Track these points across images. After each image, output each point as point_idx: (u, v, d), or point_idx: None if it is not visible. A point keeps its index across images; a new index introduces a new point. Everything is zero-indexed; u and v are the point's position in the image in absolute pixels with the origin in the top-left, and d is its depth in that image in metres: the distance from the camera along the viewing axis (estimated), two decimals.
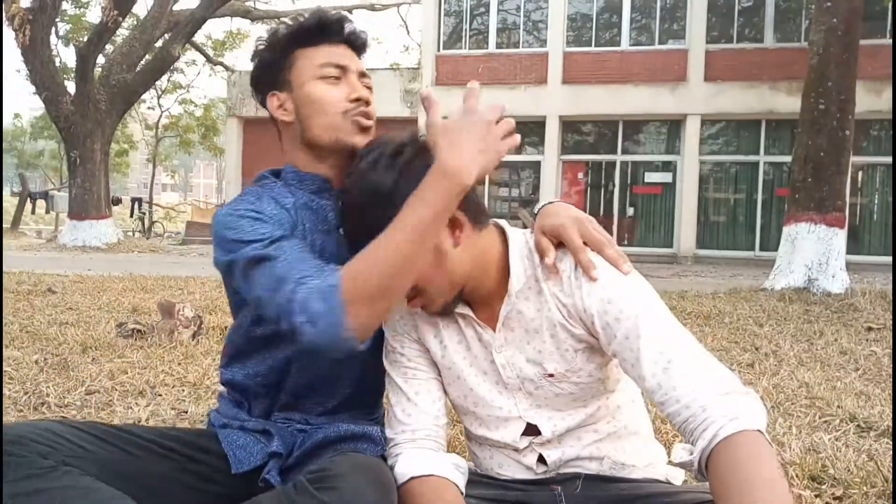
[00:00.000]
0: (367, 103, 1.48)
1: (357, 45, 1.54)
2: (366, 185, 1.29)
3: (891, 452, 2.52)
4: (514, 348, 1.36)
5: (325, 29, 1.49)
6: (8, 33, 13.41)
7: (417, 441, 1.37)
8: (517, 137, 1.25)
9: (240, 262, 1.31)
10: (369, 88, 1.52)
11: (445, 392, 1.45)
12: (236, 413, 1.51)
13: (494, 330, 1.36)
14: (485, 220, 1.35)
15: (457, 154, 1.19)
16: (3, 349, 3.87)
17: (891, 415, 2.95)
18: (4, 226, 22.60)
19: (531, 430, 1.39)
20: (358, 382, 1.52)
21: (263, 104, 1.55)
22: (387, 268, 1.19)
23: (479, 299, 1.37)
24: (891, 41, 15.13)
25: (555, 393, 1.36)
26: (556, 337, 1.33)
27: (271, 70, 1.51)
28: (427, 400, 1.41)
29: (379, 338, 1.47)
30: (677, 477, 1.45)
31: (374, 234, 1.22)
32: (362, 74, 1.52)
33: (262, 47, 1.52)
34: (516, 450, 1.41)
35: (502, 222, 1.41)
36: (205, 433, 1.50)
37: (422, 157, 1.26)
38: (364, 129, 1.46)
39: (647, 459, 1.44)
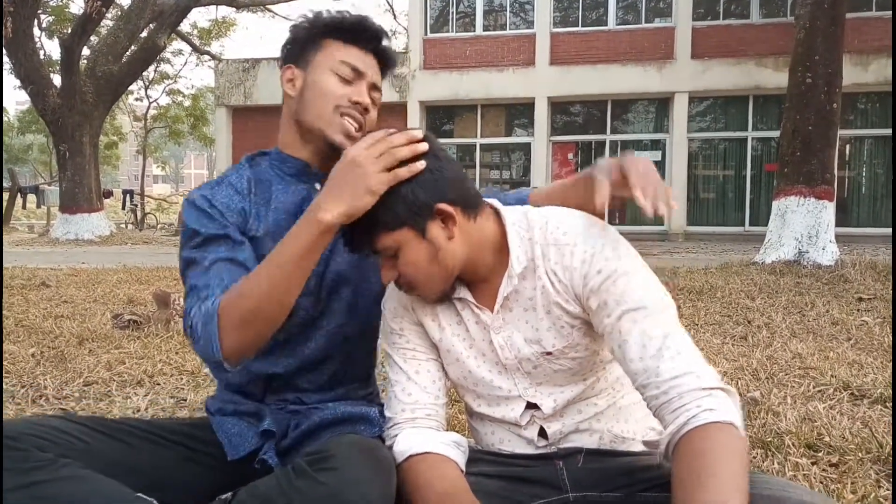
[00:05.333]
0: (366, 111, 1.52)
1: (384, 60, 1.59)
2: None
3: (885, 419, 2.55)
4: (513, 328, 1.36)
5: (361, 33, 1.54)
6: None
7: (417, 420, 1.37)
8: (417, 165, 1.27)
9: (181, 256, 1.42)
10: (374, 102, 1.56)
11: (445, 372, 1.45)
12: (231, 396, 1.53)
13: (492, 311, 1.37)
14: (478, 207, 1.35)
15: (322, 198, 1.28)
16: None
17: (884, 382, 2.98)
18: None
19: (531, 404, 1.40)
20: (346, 358, 1.56)
21: None
22: (254, 299, 1.28)
23: (477, 280, 1.38)
24: (876, 14, 15.16)
25: (553, 370, 1.37)
26: (551, 314, 1.33)
27: (299, 45, 1.56)
28: (427, 379, 1.42)
29: (364, 315, 1.55)
30: None
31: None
32: (375, 88, 1.56)
33: (300, 21, 1.56)
34: (518, 424, 1.41)
35: (495, 202, 1.41)
36: (202, 423, 1.52)
37: None
38: (349, 135, 1.49)
39: (646, 432, 1.45)
